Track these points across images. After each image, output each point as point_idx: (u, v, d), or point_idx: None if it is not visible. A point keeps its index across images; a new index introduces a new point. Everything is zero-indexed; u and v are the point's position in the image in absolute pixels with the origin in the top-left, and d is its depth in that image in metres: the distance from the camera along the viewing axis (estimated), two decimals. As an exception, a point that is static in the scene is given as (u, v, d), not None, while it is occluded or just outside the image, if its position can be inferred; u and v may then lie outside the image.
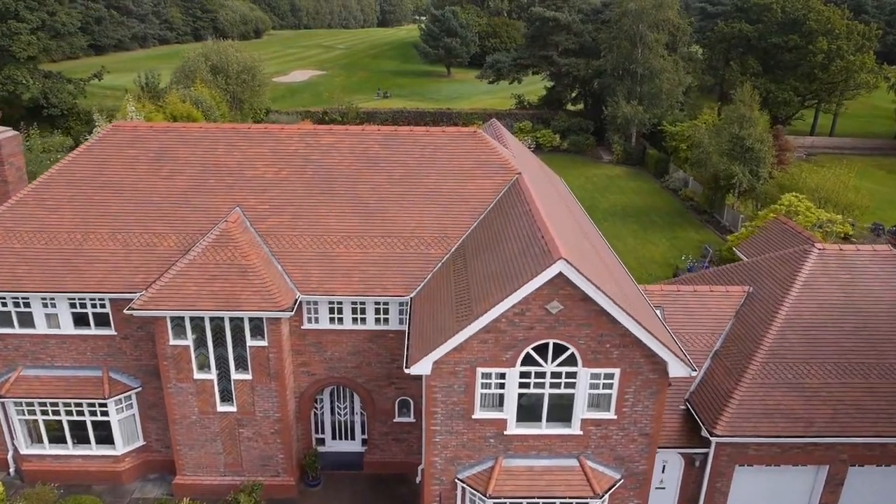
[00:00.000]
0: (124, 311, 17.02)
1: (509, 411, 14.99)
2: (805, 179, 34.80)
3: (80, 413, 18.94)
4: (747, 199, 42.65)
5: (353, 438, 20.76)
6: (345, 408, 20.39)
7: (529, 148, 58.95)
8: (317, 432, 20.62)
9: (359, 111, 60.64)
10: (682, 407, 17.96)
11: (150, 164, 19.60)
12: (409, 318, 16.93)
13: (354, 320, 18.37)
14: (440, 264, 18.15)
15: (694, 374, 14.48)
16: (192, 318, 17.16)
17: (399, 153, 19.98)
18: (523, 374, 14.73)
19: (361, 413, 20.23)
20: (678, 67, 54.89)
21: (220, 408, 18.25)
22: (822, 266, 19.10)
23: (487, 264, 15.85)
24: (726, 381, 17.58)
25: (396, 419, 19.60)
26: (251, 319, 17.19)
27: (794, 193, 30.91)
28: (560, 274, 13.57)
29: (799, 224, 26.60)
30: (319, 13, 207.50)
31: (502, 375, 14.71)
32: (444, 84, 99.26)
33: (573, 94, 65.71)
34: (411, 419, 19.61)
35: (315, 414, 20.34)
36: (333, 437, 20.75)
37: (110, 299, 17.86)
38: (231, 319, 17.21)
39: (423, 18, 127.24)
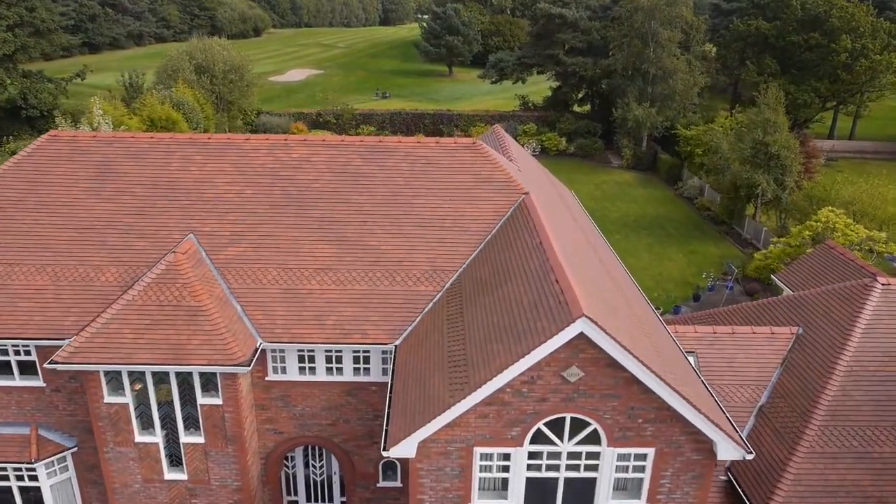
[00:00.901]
0: (44, 366, 14.03)
1: (515, 499, 11.97)
2: (838, 190, 31.68)
3: (5, 478, 15.96)
4: (770, 210, 39.55)
5: (331, 501, 17.76)
6: (321, 466, 17.39)
7: (534, 152, 55.95)
8: (289, 494, 17.63)
9: (354, 112, 57.65)
10: (724, 477, 14.91)
11: (91, 181, 16.60)
12: (393, 374, 13.92)
13: (329, 370, 15.37)
14: (432, 304, 15.13)
15: (750, 457, 11.43)
16: (130, 372, 14.17)
17: (385, 169, 16.95)
18: (533, 455, 11.71)
19: (341, 474, 17.23)
20: (693, 67, 51.73)
21: (168, 475, 15.26)
22: (888, 305, 16.03)
23: (489, 312, 12.82)
24: (777, 448, 14.52)
25: (381, 483, 16.60)
26: (202, 374, 14.19)
27: (829, 208, 27.80)
28: (581, 334, 10.56)
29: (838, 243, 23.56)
30: (320, 11, 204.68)
31: (507, 456, 11.69)
32: (445, 84, 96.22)
33: (580, 95, 62.62)
34: (398, 483, 16.61)
35: (286, 473, 17.35)
36: (308, 500, 17.75)
37: (35, 346, 14.88)
38: (178, 373, 14.21)
39: (425, 17, 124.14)
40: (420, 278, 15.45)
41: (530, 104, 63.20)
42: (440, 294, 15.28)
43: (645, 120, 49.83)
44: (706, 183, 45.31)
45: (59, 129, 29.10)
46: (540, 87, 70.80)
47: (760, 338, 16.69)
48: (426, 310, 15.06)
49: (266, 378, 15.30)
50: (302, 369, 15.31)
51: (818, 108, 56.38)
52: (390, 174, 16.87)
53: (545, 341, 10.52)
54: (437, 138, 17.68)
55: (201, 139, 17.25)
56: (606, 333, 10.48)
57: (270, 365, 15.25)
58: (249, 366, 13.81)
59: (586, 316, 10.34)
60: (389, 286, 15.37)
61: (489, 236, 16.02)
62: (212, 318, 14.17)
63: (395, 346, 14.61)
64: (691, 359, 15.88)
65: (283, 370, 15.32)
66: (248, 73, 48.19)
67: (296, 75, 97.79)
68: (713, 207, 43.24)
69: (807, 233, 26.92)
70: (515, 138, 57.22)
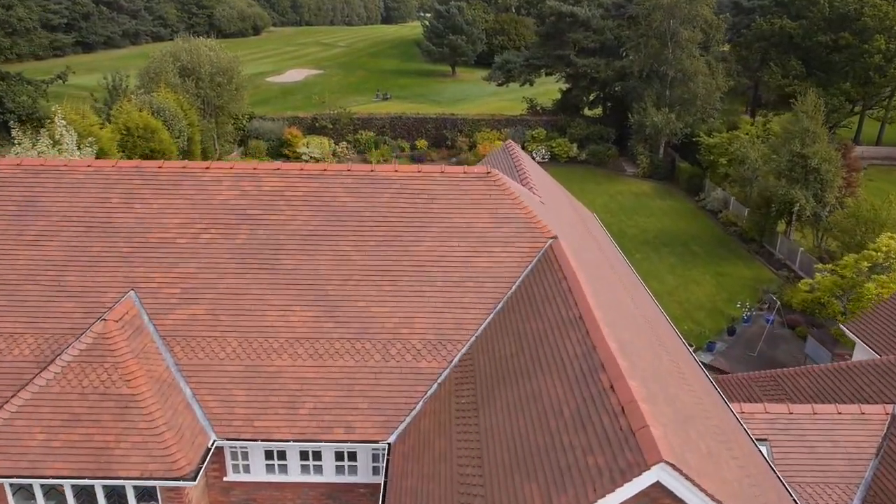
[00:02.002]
0: (-77, 479, 10.72)
1: None
2: (890, 210, 28.22)
3: None
4: (805, 227, 36.11)
5: None
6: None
7: (543, 160, 52.51)
8: None
9: (353, 116, 54.22)
10: None
11: (9, 221, 13.26)
12: (386, 486, 10.57)
13: (305, 468, 12.04)
14: (436, 385, 11.80)
15: None
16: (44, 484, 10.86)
17: (377, 206, 13.59)
18: None
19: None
20: (717, 70, 48.19)
21: None
22: None
23: (515, 417, 9.46)
24: (885, 578, 11.19)
25: None
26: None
27: (889, 234, 24.35)
28: (657, 483, 7.21)
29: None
30: (321, 10, 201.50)
31: None
32: (448, 84, 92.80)
33: (591, 98, 59.08)
34: None
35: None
36: None
37: (-75, 441, 11.56)
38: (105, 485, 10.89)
39: (427, 15, 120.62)
40: (421, 351, 12.11)
41: (539, 108, 59.73)
42: (446, 372, 11.94)
43: (664, 126, 46.35)
44: (731, 195, 41.85)
45: (16, 142, 25.91)
46: (547, 87, 67.35)
47: (847, 419, 13.33)
48: (429, 394, 11.72)
49: (224, 478, 11.98)
50: (270, 467, 11.98)
51: (847, 113, 52.87)
52: (384, 213, 13.51)
53: (604, 496, 7.17)
54: (441, 166, 14.30)
55: (150, 167, 13.89)
56: (693, 483, 7.13)
57: (230, 462, 11.92)
58: (195, 479, 10.46)
59: (666, 462, 6.99)
60: (382, 362, 12.02)
61: (509, 293, 12.67)
62: (149, 411, 10.84)
63: (389, 444, 11.28)
64: (763, 449, 12.54)
65: (247, 468, 11.99)
66: (238, 76, 44.82)
67: (294, 76, 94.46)
68: (740, 223, 39.78)
69: (864, 263, 23.52)
70: (523, 145, 53.84)
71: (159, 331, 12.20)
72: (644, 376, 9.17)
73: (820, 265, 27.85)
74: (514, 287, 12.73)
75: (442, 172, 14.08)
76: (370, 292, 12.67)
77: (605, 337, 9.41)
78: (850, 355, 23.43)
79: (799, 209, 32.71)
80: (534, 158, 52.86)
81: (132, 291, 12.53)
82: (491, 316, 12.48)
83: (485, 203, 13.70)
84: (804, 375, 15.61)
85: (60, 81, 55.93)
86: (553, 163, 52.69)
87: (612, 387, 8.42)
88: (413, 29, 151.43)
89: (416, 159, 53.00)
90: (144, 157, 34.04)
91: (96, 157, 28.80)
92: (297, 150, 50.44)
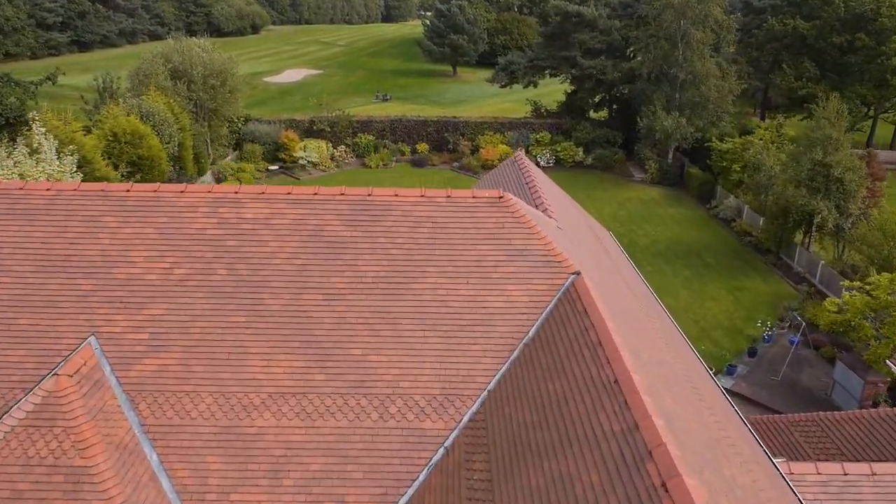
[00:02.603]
0: None
1: None
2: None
3: None
4: (825, 238, 34.48)
5: None
6: None
7: (548, 164, 50.90)
8: None
9: (351, 119, 52.56)
10: None
11: (-45, 255, 11.64)
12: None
13: (291, 544, 10.39)
14: (442, 451, 10.17)
15: None
16: (-22, 569, 9.23)
17: (375, 236, 11.94)
18: None
19: None
20: (729, 72, 46.52)
21: None
22: None
23: (539, 511, 7.83)
24: None
25: None
26: (89, 572, 9.23)
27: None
28: None
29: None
30: (321, 8, 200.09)
31: None
32: (449, 85, 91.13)
33: (596, 100, 57.40)
34: None
35: None
36: None
37: None
38: (51, 572, 9.25)
39: (428, 14, 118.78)
40: (425, 409, 10.47)
41: (543, 110, 58.08)
42: (455, 434, 10.30)
43: (674, 130, 44.68)
44: (745, 203, 40.21)
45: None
46: (550, 88, 65.73)
47: (911, 481, 11.69)
48: (434, 461, 10.08)
49: (197, 556, 10.34)
50: (250, 544, 10.34)
51: (862, 117, 51.26)
52: (383, 244, 11.86)
53: None
54: (448, 190, 12.63)
55: (116, 191, 12.23)
56: None
57: (203, 538, 10.28)
58: (157, 573, 8.84)
59: None
60: (380, 422, 10.39)
61: (526, 339, 11.04)
62: (105, 487, 9.20)
63: (388, 522, 9.65)
64: (817, 518, 10.90)
65: (223, 545, 10.35)
66: (232, 78, 43.14)
67: (292, 76, 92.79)
68: (754, 232, 38.17)
69: (902, 287, 21.90)
70: (527, 149, 52.19)
71: (123, 384, 10.56)
72: (699, 464, 7.53)
73: (846, 282, 26.21)
74: (531, 332, 11.09)
75: (448, 197, 12.42)
76: (366, 338, 11.03)
77: (649, 412, 7.76)
78: (886, 383, 21.82)
79: (820, 221, 31.07)
80: (538, 163, 51.23)
81: (92, 337, 10.88)
82: (505, 366, 10.84)
83: (497, 233, 12.04)
84: (854, 422, 13.97)
85: (50, 83, 54.33)
86: (558, 167, 51.12)
87: (664, 485, 6.78)
88: (413, 28, 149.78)
89: (417, 163, 51.39)
90: (132, 164, 32.47)
91: (79, 166, 27.20)
92: (294, 155, 48.85)
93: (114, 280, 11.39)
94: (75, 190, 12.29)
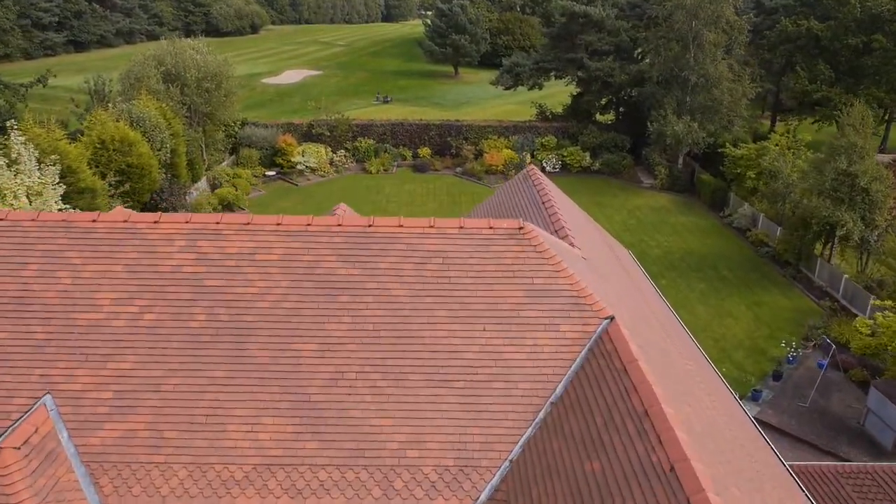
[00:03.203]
0: None
1: None
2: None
3: None
4: (847, 250, 32.95)
5: None
6: None
7: (554, 169, 49.33)
8: None
9: (351, 123, 50.96)
10: None
11: None
12: None
13: None
14: (457, 536, 8.61)
15: None
16: None
17: (377, 275, 10.39)
18: None
19: None
20: (743, 75, 44.92)
21: None
22: None
23: None
24: None
25: None
26: None
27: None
28: None
29: None
30: (321, 8, 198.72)
31: None
32: (451, 86, 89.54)
33: (602, 103, 55.76)
34: None
35: None
36: None
37: None
38: None
39: (429, 13, 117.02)
40: (436, 484, 8.92)
41: (548, 113, 56.49)
42: (471, 515, 8.75)
43: (686, 136, 43.08)
44: (760, 212, 38.65)
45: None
46: (554, 89, 64.15)
47: None
48: (447, 548, 8.54)
49: None
50: None
51: (878, 121, 49.66)
52: (386, 284, 10.31)
53: None
54: (460, 219, 11.06)
55: (81, 222, 10.68)
56: None
57: None
58: None
59: None
60: (383, 499, 8.84)
61: (553, 397, 9.49)
62: (52, 589, 7.65)
63: None
64: None
65: None
66: (227, 81, 41.54)
67: (291, 76, 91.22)
68: (771, 242, 36.62)
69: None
70: (532, 153, 50.68)
71: (82, 455, 9.01)
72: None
73: (877, 301, 24.68)
74: (558, 389, 9.55)
75: (461, 228, 10.85)
76: (367, 397, 9.48)
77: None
78: (927, 415, 20.25)
79: (844, 233, 29.50)
80: (544, 168, 49.63)
81: (48, 396, 9.34)
82: (530, 430, 9.30)
83: (518, 270, 10.49)
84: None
85: (40, 85, 52.85)
86: (564, 172, 49.59)
87: None
88: (414, 27, 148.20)
89: (419, 168, 49.85)
90: (121, 172, 30.91)
91: (62, 177, 25.67)
92: (292, 160, 47.30)
93: (75, 327, 9.84)
94: (33, 221, 10.72)
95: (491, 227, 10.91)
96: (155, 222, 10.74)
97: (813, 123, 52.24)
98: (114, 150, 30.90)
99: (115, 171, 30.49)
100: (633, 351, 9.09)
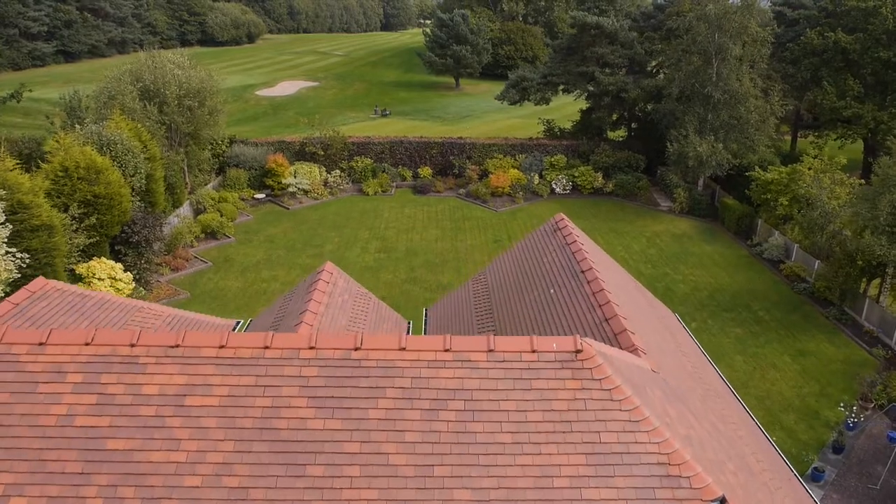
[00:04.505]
0: None
1: None
2: None
3: None
4: (897, 289, 29.53)
5: None
6: None
7: (565, 191, 46.02)
8: None
9: (346, 141, 47.56)
10: None
11: None
12: None
13: None
14: None
15: None
16: None
17: (366, 430, 6.93)
18: None
19: None
20: (773, 91, 41.63)
21: None
22: None
23: None
24: None
25: None
26: None
27: None
28: None
29: None
30: (319, 17, 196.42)
31: None
32: (452, 98, 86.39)
33: (614, 118, 52.49)
34: None
35: None
36: None
37: None
38: None
39: (429, 23, 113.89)
40: None
41: (557, 130, 53.20)
42: None
43: (710, 157, 39.73)
44: (794, 242, 35.26)
45: None
46: (560, 103, 60.89)
47: None
48: None
49: None
50: None
51: (911, 140, 46.30)
52: (378, 445, 6.84)
53: None
54: (488, 337, 7.60)
55: (29, 339, 7.26)
56: None
57: None
58: None
59: None
60: None
61: None
62: None
63: None
64: None
65: None
66: (212, 98, 38.14)
67: (287, 88, 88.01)
68: (808, 277, 33.22)
69: None
70: (541, 174, 47.36)
71: None
72: None
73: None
74: None
75: (490, 351, 7.40)
76: None
77: None
78: None
79: (901, 274, 26.13)
80: (553, 190, 46.32)
81: None
82: None
83: (576, 421, 7.04)
84: None
85: (14, 101, 49.76)
86: (576, 194, 46.30)
87: None
88: (414, 36, 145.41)
89: (420, 190, 46.49)
90: (86, 203, 27.48)
91: (13, 213, 22.33)
92: (283, 181, 43.91)
93: (22, 462, 6.38)
94: None
95: (534, 351, 7.47)
96: (39, 344, 7.29)
97: (836, 140, 48.97)
98: (78, 178, 27.44)
99: (79, 202, 27.06)
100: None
